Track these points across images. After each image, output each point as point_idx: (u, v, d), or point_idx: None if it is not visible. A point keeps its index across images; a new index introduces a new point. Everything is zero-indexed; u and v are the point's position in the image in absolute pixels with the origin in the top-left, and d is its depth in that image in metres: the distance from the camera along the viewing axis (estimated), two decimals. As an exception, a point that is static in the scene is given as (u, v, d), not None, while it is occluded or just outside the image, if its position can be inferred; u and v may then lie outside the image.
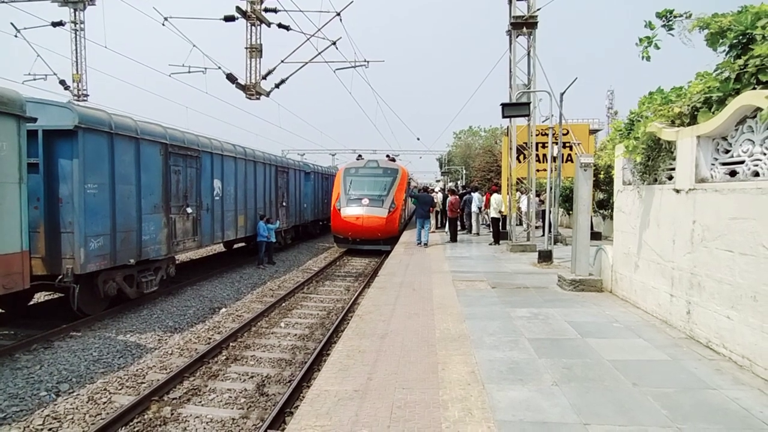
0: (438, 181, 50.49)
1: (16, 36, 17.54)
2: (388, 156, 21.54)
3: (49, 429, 4.75)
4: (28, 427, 4.76)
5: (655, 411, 3.59)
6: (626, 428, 3.35)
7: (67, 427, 4.82)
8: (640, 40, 5.76)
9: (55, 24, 18.17)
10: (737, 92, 4.67)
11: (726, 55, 5.01)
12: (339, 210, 16.58)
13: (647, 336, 5.40)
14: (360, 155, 21.62)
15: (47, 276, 7.52)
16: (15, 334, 7.53)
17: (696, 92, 5.30)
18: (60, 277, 7.48)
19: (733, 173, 4.78)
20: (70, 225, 7.59)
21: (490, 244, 14.32)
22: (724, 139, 4.90)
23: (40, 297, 9.68)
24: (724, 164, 4.93)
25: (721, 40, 4.99)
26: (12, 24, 17.44)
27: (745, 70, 4.58)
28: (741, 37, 4.76)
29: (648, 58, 5.76)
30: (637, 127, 6.41)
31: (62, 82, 19.00)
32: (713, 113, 4.97)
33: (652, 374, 4.31)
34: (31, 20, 19.95)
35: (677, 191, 5.59)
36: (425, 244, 14.05)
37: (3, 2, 16.37)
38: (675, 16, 5.55)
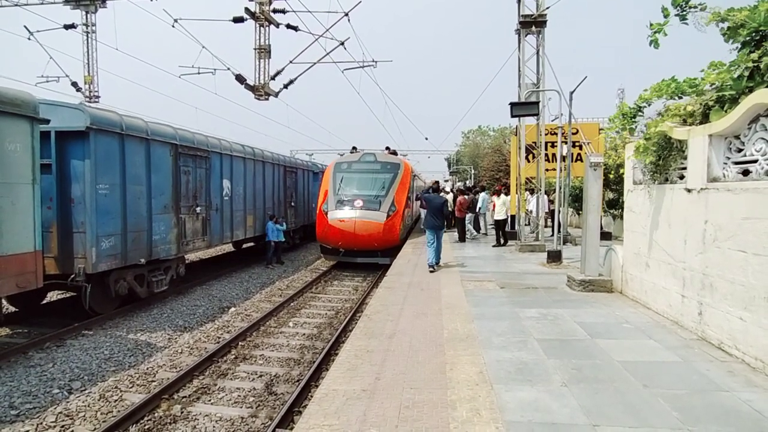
0: (447, 180, 50.18)
1: (29, 39, 17.80)
2: (388, 148, 17.75)
3: (62, 426, 4.82)
4: (41, 423, 4.83)
5: (665, 413, 3.55)
6: (636, 430, 3.32)
7: (79, 424, 4.88)
8: (651, 25, 5.70)
9: (67, 27, 18.38)
10: (750, 90, 4.60)
11: (738, 51, 4.94)
12: (326, 213, 13.64)
13: (658, 337, 5.34)
14: (355, 147, 17.53)
15: (60, 275, 7.64)
16: (28, 332, 7.66)
17: (709, 81, 5.22)
18: (72, 276, 7.60)
19: (746, 172, 4.71)
20: (82, 225, 7.70)
21: (494, 246, 14.08)
22: (737, 137, 4.83)
23: (52, 296, 9.82)
24: (736, 163, 4.86)
25: (738, 35, 4.92)
26: (25, 27, 17.69)
27: (758, 67, 4.51)
28: (754, 34, 4.70)
29: (657, 45, 5.69)
30: (649, 127, 6.33)
31: (74, 84, 19.23)
32: (726, 111, 4.90)
33: (663, 376, 4.26)
34: (44, 23, 20.32)
35: (689, 191, 5.52)
36: (435, 264, 9.95)
37: (17, 5, 16.62)
38: (690, 7, 5.48)
